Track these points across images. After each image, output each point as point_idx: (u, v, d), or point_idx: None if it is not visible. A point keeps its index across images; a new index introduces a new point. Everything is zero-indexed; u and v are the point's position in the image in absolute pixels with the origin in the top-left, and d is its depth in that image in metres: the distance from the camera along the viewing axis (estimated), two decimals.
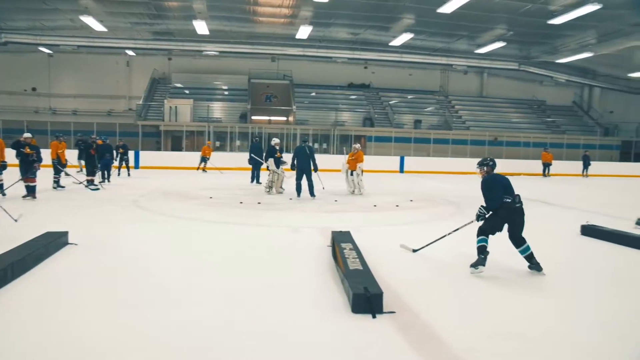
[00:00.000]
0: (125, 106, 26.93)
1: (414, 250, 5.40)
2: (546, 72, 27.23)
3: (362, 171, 12.18)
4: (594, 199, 13.46)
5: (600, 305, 4.17)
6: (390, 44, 23.44)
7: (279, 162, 11.86)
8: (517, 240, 4.87)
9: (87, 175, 12.11)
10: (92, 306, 3.80)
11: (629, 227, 7.55)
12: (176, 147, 23.99)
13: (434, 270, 5.11)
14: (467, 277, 4.83)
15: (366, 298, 3.70)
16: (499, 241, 5.08)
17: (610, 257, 6.13)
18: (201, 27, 20.31)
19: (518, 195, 4.80)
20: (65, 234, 5.80)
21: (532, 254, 4.85)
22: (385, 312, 3.69)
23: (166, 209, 9.20)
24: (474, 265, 4.75)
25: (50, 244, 5.33)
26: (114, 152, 14.75)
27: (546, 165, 21.95)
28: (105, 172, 13.32)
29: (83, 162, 16.25)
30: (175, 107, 23.93)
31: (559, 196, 13.06)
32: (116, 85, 27.09)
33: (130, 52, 26.14)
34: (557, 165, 22.40)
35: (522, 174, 20.85)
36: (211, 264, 5.22)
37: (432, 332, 3.45)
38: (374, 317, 3.62)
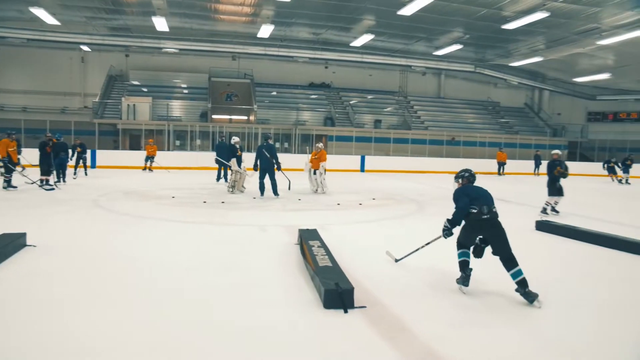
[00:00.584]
0: (81, 104, 25.99)
1: (396, 260, 5.41)
2: (500, 75, 28.36)
3: (325, 170, 12.31)
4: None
5: (562, 295, 4.40)
6: (351, 44, 23.74)
7: (239, 161, 11.83)
8: (505, 260, 4.20)
9: (42, 174, 11.61)
10: (54, 308, 3.71)
11: (577, 222, 8.01)
12: (135, 146, 23.34)
13: (401, 265, 5.26)
14: (433, 270, 5.01)
15: (338, 294, 3.79)
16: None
17: (563, 250, 6.50)
18: (161, 23, 19.86)
19: (487, 206, 4.27)
20: (23, 235, 5.58)
21: (524, 280, 4.09)
22: (356, 307, 3.80)
23: (128, 208, 8.99)
24: (457, 282, 4.48)
25: (7, 245, 5.13)
26: (70, 150, 14.20)
27: (501, 165, 22.84)
28: (60, 172, 12.81)
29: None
30: (134, 105, 23.31)
31: (514, 194, 13.65)
32: (70, 81, 26.09)
33: (85, 48, 25.17)
34: (510, 165, 23.35)
35: (478, 173, 21.54)
36: (178, 263, 5.16)
37: (402, 324, 3.58)
38: (345, 312, 3.72)
